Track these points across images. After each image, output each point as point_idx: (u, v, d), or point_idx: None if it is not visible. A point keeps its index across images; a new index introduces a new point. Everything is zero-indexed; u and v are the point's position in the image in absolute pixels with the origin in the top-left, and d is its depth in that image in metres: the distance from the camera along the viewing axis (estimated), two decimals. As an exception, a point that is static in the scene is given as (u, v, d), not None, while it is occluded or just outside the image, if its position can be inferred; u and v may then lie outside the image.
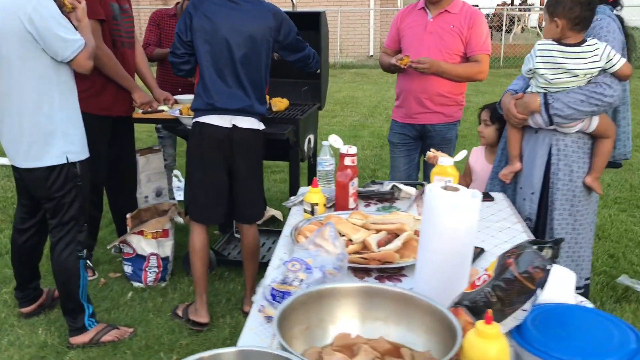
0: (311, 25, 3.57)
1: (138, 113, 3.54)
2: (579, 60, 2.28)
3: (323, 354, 1.28)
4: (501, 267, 1.24)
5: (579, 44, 2.30)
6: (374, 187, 2.41)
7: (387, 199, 2.39)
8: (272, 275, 1.55)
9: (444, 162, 2.30)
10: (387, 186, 2.40)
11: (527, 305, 1.21)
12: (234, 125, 2.81)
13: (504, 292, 1.21)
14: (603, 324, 1.27)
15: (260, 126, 2.92)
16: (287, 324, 1.23)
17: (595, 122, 2.39)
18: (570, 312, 1.32)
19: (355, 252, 1.81)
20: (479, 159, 3.09)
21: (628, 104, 2.55)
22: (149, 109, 3.48)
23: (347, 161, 2.21)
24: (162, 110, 3.55)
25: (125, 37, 3.33)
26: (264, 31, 2.81)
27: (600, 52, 2.27)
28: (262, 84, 2.90)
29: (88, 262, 3.39)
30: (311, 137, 3.58)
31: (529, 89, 2.49)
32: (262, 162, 3.02)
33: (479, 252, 1.86)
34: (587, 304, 1.54)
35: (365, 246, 1.83)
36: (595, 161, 2.45)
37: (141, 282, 3.44)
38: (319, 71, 3.64)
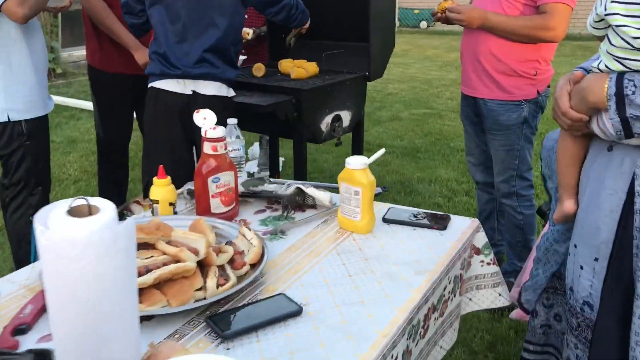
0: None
1: None
2: None
3: None
4: None
5: None
6: (270, 187, 1.74)
7: (287, 205, 1.70)
8: None
9: (352, 164, 1.57)
10: (289, 188, 1.71)
11: None
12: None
13: None
14: None
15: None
16: None
17: None
18: None
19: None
20: None
21: None
22: None
23: (207, 148, 1.60)
24: None
25: None
26: None
27: None
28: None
29: None
30: (344, 114, 2.90)
31: (594, 63, 1.42)
32: None
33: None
34: None
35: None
36: None
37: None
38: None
